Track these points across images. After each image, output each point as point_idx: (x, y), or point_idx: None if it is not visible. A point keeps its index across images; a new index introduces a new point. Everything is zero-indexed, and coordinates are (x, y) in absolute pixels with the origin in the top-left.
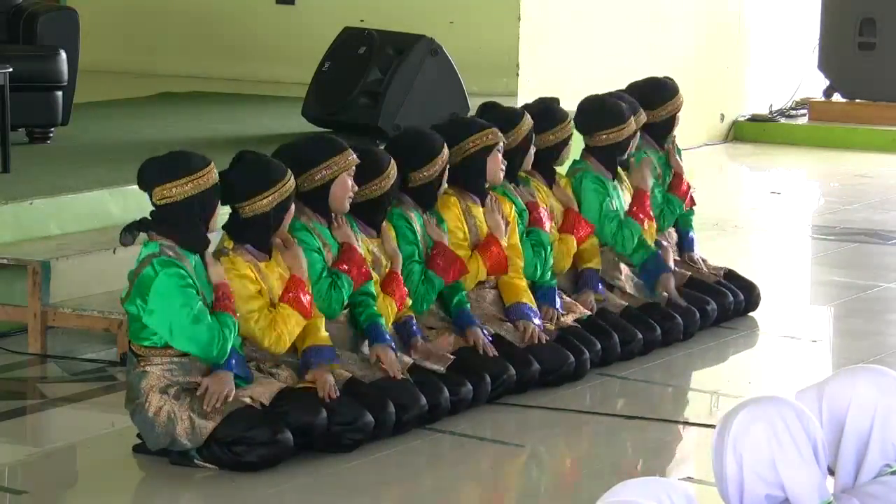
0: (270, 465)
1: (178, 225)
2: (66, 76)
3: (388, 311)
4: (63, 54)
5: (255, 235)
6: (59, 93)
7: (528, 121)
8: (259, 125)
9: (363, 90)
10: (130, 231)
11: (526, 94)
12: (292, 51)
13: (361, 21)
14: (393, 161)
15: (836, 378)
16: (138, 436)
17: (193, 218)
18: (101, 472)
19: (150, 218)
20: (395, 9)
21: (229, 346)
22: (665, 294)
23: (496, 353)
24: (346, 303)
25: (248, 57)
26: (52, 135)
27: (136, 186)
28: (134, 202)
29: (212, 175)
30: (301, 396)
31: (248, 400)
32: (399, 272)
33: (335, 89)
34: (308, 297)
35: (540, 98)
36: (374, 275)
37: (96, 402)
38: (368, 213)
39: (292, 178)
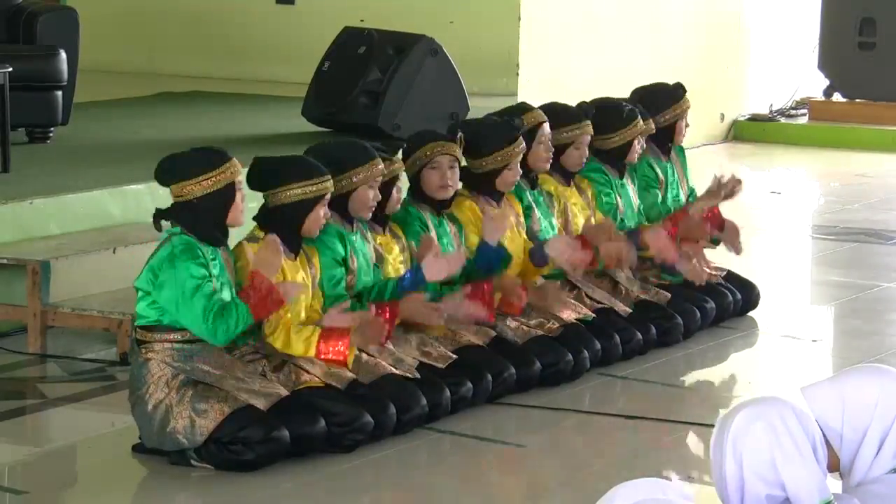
0: (267, 463)
1: (195, 220)
2: (66, 76)
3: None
4: (63, 54)
5: (282, 226)
6: (59, 93)
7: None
8: (259, 125)
9: (363, 90)
10: (157, 219)
11: (526, 95)
12: (292, 51)
13: (361, 21)
14: (398, 157)
15: (857, 377)
16: (140, 436)
17: (210, 214)
18: (101, 472)
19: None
20: (395, 9)
21: (228, 335)
22: (666, 293)
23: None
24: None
25: (248, 57)
26: (52, 135)
27: (136, 186)
28: (134, 202)
29: (229, 172)
30: (300, 405)
31: (245, 400)
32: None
33: (335, 89)
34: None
35: (553, 102)
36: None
37: (96, 402)
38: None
39: (330, 180)
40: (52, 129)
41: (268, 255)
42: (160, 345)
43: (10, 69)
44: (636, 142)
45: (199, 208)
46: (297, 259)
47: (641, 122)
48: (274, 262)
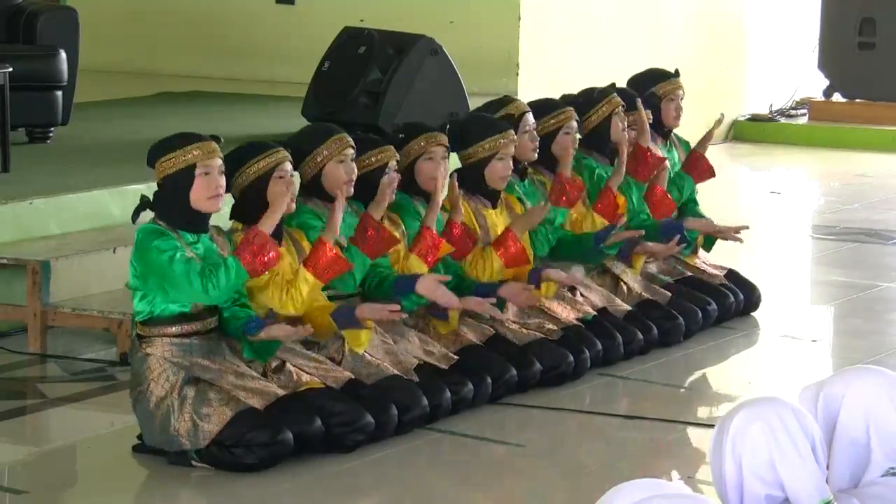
0: (269, 466)
1: (164, 204)
2: (66, 76)
3: (417, 271)
4: (63, 54)
5: (252, 212)
6: (59, 93)
7: (530, 118)
8: (259, 125)
9: (363, 90)
10: (136, 211)
11: (526, 94)
12: (292, 51)
13: (361, 21)
14: (391, 146)
15: (834, 377)
16: (139, 437)
17: (173, 196)
18: (101, 472)
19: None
20: (395, 9)
21: (220, 290)
22: (667, 292)
23: (499, 315)
24: (357, 281)
25: (248, 57)
26: (52, 135)
27: (136, 186)
28: (134, 202)
29: (190, 154)
30: (299, 404)
31: (243, 399)
32: (431, 226)
33: (335, 89)
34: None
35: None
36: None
37: (96, 402)
38: (371, 192)
39: (282, 151)
40: (52, 129)
41: (275, 207)
42: (159, 339)
43: (10, 69)
44: (617, 119)
45: (164, 190)
46: (283, 246)
47: (617, 97)
48: (276, 215)
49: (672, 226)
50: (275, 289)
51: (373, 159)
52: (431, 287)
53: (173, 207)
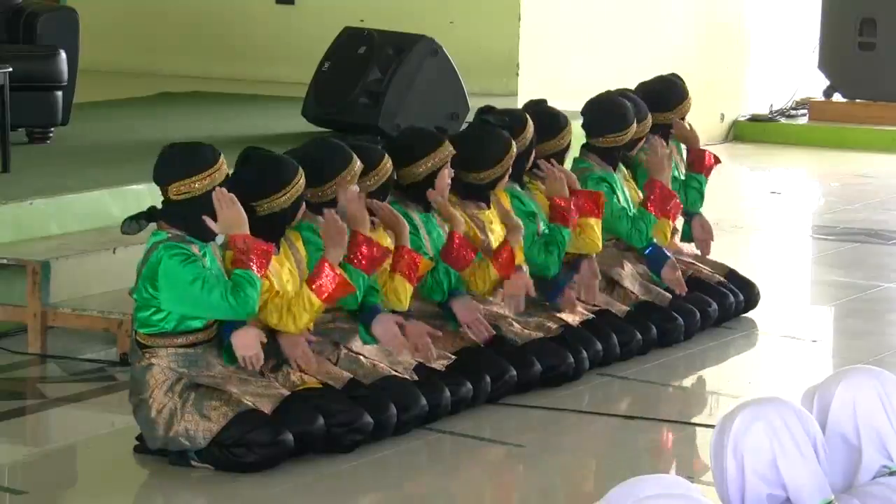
0: (269, 466)
1: (190, 217)
2: (66, 76)
3: (402, 291)
4: (63, 54)
5: (269, 231)
6: (59, 93)
7: (531, 125)
8: (259, 125)
9: (363, 90)
10: (137, 220)
11: (526, 94)
12: (292, 51)
13: (361, 21)
14: (387, 155)
15: (829, 377)
16: (138, 437)
17: (207, 211)
18: (101, 472)
19: (159, 209)
20: (395, 9)
21: (253, 302)
22: (667, 293)
23: (491, 330)
24: (359, 299)
25: (248, 57)
26: (52, 135)
27: (136, 186)
28: (134, 202)
29: (224, 167)
30: (300, 404)
31: (250, 404)
32: (406, 243)
33: (335, 89)
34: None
35: (531, 101)
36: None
37: (96, 402)
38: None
39: (303, 174)
40: (52, 129)
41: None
42: (164, 350)
43: (10, 69)
44: (637, 142)
45: (197, 205)
46: (281, 252)
47: (636, 126)
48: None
49: (654, 260)
50: (273, 309)
51: (369, 182)
52: (385, 334)
53: (188, 220)
